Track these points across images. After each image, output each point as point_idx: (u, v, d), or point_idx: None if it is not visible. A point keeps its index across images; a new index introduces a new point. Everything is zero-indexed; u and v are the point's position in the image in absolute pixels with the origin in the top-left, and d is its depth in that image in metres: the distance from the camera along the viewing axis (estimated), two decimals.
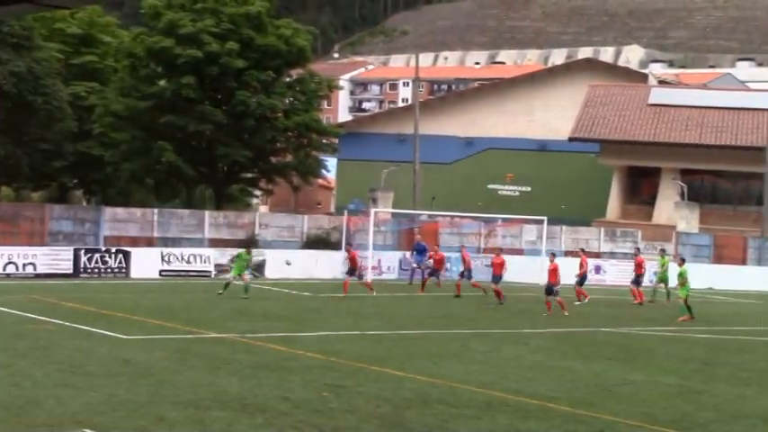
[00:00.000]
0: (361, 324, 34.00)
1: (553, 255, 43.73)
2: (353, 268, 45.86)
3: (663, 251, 54.79)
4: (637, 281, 49.67)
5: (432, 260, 51.54)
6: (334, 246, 58.80)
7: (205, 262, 52.62)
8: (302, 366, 24.36)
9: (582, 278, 47.91)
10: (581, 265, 48.23)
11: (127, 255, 50.65)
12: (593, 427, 19.26)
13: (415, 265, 53.98)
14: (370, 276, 51.88)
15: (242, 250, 44.46)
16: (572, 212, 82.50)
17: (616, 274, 60.70)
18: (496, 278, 45.32)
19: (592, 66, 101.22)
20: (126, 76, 67.81)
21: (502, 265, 45.85)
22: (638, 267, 50.43)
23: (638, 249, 55.93)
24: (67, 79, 70.38)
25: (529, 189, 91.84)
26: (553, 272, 40.73)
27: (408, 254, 56.29)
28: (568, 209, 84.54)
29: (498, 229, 64.70)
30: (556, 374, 25.21)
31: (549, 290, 40.75)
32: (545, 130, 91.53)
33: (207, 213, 59.44)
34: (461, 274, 48.73)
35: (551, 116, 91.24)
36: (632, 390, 23.55)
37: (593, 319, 40.03)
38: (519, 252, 63.80)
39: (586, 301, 46.28)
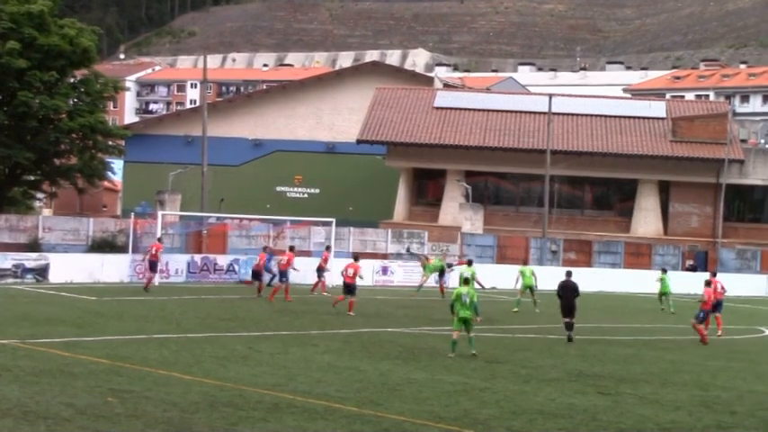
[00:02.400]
0: (148, 328, 33.65)
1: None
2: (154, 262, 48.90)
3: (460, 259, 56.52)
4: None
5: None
6: (121, 249, 58.04)
7: None
8: (86, 372, 23.99)
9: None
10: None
11: None
12: (379, 427, 19.55)
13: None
14: (157, 280, 51.44)
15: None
16: (360, 214, 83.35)
17: (403, 274, 61.66)
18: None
19: (379, 69, 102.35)
20: None
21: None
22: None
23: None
24: None
25: (317, 191, 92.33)
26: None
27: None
28: (356, 211, 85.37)
29: (287, 231, 64.84)
30: (344, 375, 25.46)
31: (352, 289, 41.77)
32: (333, 132, 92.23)
33: None
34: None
35: (339, 118, 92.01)
36: (416, 388, 23.96)
37: (380, 319, 40.55)
38: (307, 254, 64.07)
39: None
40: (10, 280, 50.62)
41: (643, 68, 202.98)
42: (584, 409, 22.47)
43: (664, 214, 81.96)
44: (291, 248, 50.95)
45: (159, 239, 53.14)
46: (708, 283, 39.17)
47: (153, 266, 50.19)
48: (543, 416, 21.48)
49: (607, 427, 20.80)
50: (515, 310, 46.72)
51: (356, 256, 46.51)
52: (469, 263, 49.01)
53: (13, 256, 52.31)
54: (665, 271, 56.03)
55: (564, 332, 35.21)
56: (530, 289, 48.71)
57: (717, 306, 40.04)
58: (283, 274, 47.53)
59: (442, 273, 55.06)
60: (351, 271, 42.32)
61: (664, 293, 53.64)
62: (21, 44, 63.62)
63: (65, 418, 18.81)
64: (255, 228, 65.41)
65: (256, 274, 51.38)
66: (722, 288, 41.24)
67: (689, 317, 41.45)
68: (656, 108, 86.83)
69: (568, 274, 36.80)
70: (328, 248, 55.18)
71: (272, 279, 50.89)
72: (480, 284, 41.85)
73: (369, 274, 58.56)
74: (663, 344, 37.14)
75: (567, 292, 35.43)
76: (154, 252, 50.22)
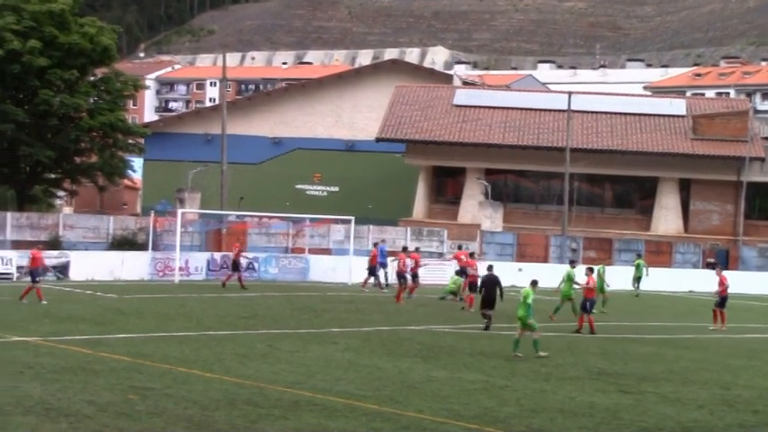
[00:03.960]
0: (168, 325, 33.74)
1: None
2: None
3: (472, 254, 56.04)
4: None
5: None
6: (141, 247, 58.17)
7: (7, 264, 51.21)
8: (108, 369, 24.07)
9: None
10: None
11: None
12: (399, 425, 19.56)
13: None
14: (177, 277, 51.59)
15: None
16: (379, 212, 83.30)
17: (423, 272, 61.50)
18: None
19: (398, 67, 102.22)
20: None
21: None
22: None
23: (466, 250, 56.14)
24: None
25: (337, 189, 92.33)
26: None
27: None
28: (375, 209, 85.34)
29: (306, 229, 64.89)
30: (364, 373, 25.47)
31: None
32: (352, 130, 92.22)
33: (9, 215, 58.11)
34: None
35: (359, 116, 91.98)
36: (436, 386, 23.96)
37: (400, 317, 40.54)
38: (327, 252, 64.22)
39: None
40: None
41: (663, 66, 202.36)
42: (605, 407, 22.44)
43: (684, 212, 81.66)
44: (417, 250, 53.20)
45: (239, 240, 55.99)
46: (590, 271, 39.23)
47: (236, 266, 51.82)
48: (564, 414, 21.46)
49: (629, 426, 20.77)
50: (604, 311, 45.30)
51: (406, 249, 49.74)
52: (572, 263, 47.12)
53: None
54: (639, 256, 61.11)
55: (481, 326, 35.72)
56: (600, 290, 47.01)
57: (722, 301, 40.43)
58: (409, 276, 48.98)
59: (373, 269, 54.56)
60: (411, 262, 46.21)
61: (638, 278, 57.84)
62: (42, 43, 63.82)
63: (86, 416, 18.88)
64: (275, 226, 65.50)
65: (372, 270, 53.25)
66: (721, 283, 41.18)
67: (707, 314, 41.53)
68: (677, 106, 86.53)
69: (490, 268, 38.56)
70: (405, 250, 52.94)
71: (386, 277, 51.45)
72: (577, 284, 42.25)
73: (388, 271, 58.58)
74: (684, 342, 37.04)
75: (489, 285, 36.81)
76: (236, 252, 52.42)
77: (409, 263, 49.38)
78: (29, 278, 41.00)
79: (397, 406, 21.17)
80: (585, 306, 37.88)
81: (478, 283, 41.03)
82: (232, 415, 19.59)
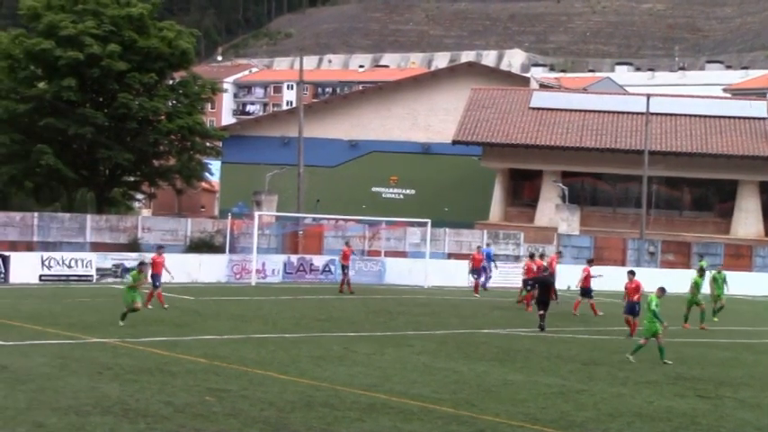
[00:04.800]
0: (245, 327, 33.91)
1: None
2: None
3: (542, 255, 55.69)
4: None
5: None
6: (218, 249, 58.57)
7: (87, 266, 51.90)
8: (184, 371, 24.24)
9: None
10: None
11: (6, 259, 49.80)
12: (475, 428, 19.49)
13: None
14: (254, 279, 51.85)
15: None
16: (455, 215, 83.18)
17: (499, 275, 61.31)
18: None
19: (474, 69, 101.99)
20: (4, 79, 66.58)
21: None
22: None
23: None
24: None
25: (413, 192, 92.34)
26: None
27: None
28: (451, 211, 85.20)
29: (382, 231, 64.97)
30: (440, 376, 25.42)
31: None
32: (429, 133, 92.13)
33: (89, 217, 58.86)
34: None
35: (435, 119, 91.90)
36: (513, 390, 23.85)
37: (476, 320, 40.44)
38: (402, 254, 64.25)
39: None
40: (110, 279, 51.40)
41: (743, 68, 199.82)
42: (683, 412, 22.20)
43: (765, 215, 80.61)
44: (542, 256, 49.90)
45: (479, 247, 57.05)
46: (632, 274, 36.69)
47: (476, 272, 52.11)
48: (641, 419, 21.26)
49: (707, 431, 20.53)
50: (715, 319, 44.37)
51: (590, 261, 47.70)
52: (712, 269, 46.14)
53: (113, 256, 53.13)
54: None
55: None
56: (718, 296, 45.87)
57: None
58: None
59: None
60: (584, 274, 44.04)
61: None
62: (121, 47, 64.52)
63: (164, 416, 19.03)
64: (351, 228, 65.63)
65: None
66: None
67: None
68: (757, 108, 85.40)
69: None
70: (532, 257, 49.97)
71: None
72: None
73: (464, 275, 58.48)
74: (763, 347, 36.54)
75: (543, 286, 38.02)
76: (475, 258, 52.92)
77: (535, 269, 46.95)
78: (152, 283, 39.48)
79: (473, 409, 21.10)
80: (634, 309, 35.61)
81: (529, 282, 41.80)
82: (308, 417, 19.63)
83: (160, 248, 44.02)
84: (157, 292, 39.47)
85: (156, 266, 40.06)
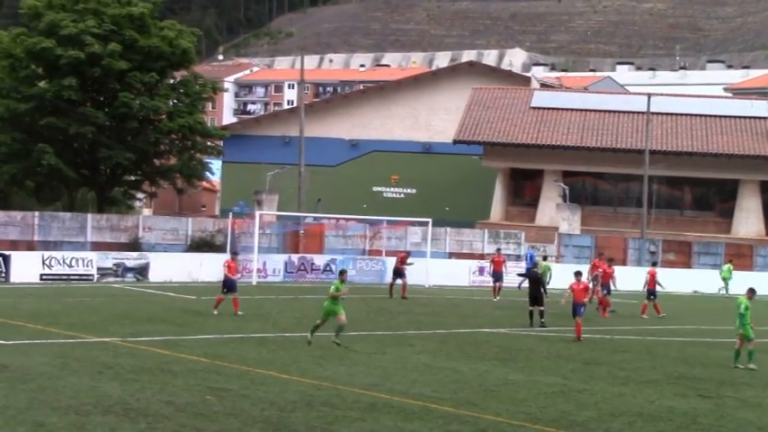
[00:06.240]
0: (245, 327, 33.90)
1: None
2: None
3: (544, 257, 55.84)
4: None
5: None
6: (219, 248, 58.54)
7: (88, 265, 51.90)
8: (186, 370, 24.24)
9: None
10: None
11: (7, 259, 49.78)
12: (476, 428, 19.49)
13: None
14: (255, 279, 51.82)
15: None
16: (456, 215, 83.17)
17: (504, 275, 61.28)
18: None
19: (475, 69, 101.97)
20: (5, 78, 66.57)
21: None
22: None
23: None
24: None
25: (414, 191, 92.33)
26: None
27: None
28: (452, 211, 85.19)
29: (383, 231, 64.94)
30: (440, 375, 25.42)
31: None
32: (430, 132, 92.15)
33: (89, 216, 58.85)
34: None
35: (436, 119, 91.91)
36: (513, 389, 23.85)
37: (477, 319, 40.43)
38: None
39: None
40: (111, 279, 51.44)
41: (744, 67, 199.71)
42: (684, 411, 22.19)
43: (766, 215, 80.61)
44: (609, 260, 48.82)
45: (498, 250, 56.70)
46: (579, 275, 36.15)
47: (497, 275, 51.43)
48: (642, 418, 21.25)
49: (708, 431, 20.52)
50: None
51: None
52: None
53: (114, 256, 53.17)
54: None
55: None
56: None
57: None
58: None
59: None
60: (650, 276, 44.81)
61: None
62: (122, 46, 64.48)
63: (164, 416, 19.03)
64: (352, 228, 65.61)
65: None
66: None
67: None
68: (758, 107, 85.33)
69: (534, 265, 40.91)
70: (601, 256, 50.14)
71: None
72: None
73: (465, 274, 58.46)
74: (765, 347, 36.49)
75: (533, 282, 38.51)
76: (496, 260, 52.40)
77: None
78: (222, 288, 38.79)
79: (473, 409, 21.10)
80: (579, 310, 34.76)
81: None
82: (309, 416, 19.63)
83: (234, 254, 42.18)
84: (232, 297, 38.30)
85: (231, 270, 39.01)
